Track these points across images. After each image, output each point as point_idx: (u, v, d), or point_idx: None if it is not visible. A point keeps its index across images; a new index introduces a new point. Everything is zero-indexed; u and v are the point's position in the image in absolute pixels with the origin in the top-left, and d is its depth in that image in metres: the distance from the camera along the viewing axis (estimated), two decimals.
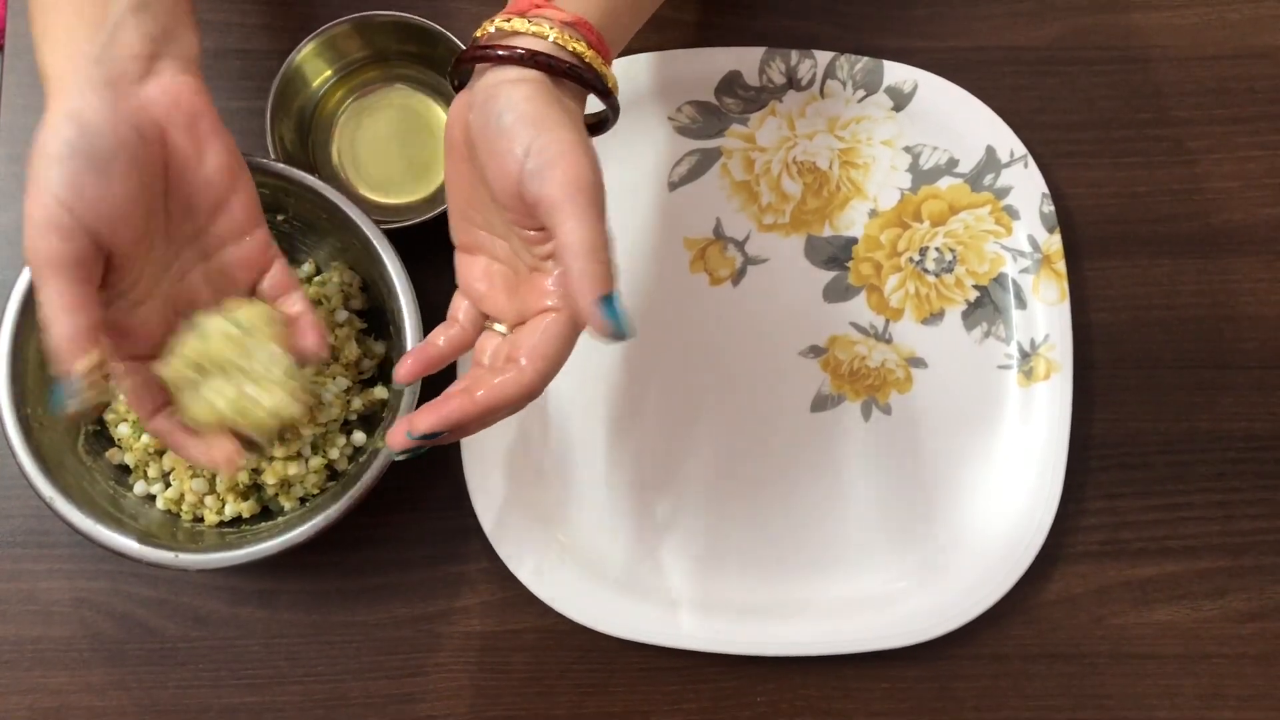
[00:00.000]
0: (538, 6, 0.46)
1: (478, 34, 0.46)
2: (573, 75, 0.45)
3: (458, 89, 0.47)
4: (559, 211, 0.42)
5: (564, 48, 0.45)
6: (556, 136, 0.43)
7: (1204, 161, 0.64)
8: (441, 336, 0.48)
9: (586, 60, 0.45)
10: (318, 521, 0.53)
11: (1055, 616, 0.59)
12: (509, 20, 0.45)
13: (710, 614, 0.58)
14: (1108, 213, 0.63)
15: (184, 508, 0.56)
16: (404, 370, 0.48)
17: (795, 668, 0.58)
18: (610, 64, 0.47)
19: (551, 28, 0.45)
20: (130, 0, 0.44)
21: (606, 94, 0.47)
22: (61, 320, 0.42)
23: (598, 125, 0.49)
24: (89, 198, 0.42)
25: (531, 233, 0.45)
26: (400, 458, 0.46)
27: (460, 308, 0.49)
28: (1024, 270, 0.61)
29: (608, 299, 0.41)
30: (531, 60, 0.44)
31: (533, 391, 0.44)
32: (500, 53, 0.44)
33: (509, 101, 0.43)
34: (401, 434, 0.45)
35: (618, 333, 0.42)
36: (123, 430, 0.57)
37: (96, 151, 0.43)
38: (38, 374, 0.55)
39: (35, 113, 0.63)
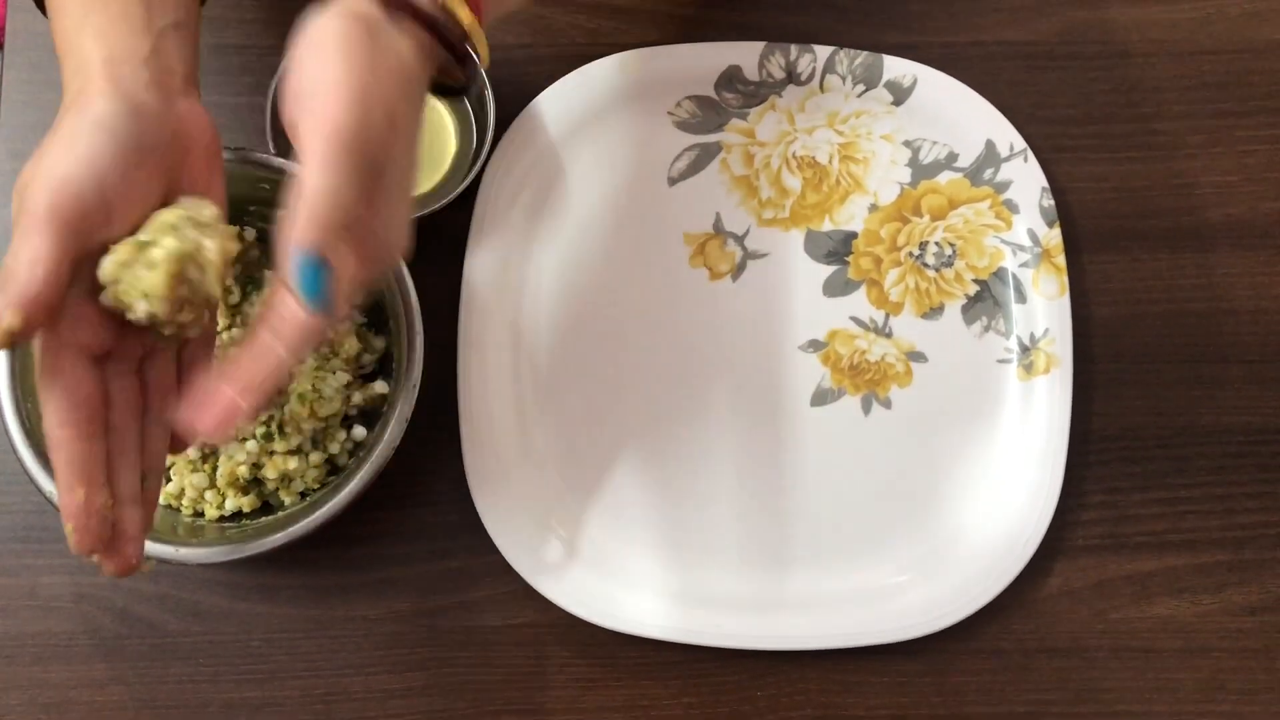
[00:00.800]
0: None
1: None
2: (421, 19, 0.42)
3: None
4: (303, 155, 0.38)
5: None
6: (331, 70, 0.39)
7: (1203, 156, 0.64)
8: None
9: (447, 8, 0.42)
10: (318, 516, 0.53)
11: (1055, 610, 0.59)
12: None
13: (710, 608, 0.58)
14: (1107, 207, 0.63)
15: (184, 503, 0.56)
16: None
17: (795, 662, 0.58)
18: (482, 20, 0.44)
19: None
20: (172, 17, 0.43)
21: (457, 48, 0.43)
22: (31, 274, 0.37)
23: (453, 88, 0.46)
24: (118, 176, 0.40)
25: None
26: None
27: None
28: (1024, 264, 0.61)
29: (308, 257, 0.37)
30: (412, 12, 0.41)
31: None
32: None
33: (318, 28, 0.40)
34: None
35: (307, 296, 0.38)
36: None
37: (143, 136, 0.41)
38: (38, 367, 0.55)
39: (35, 109, 0.63)
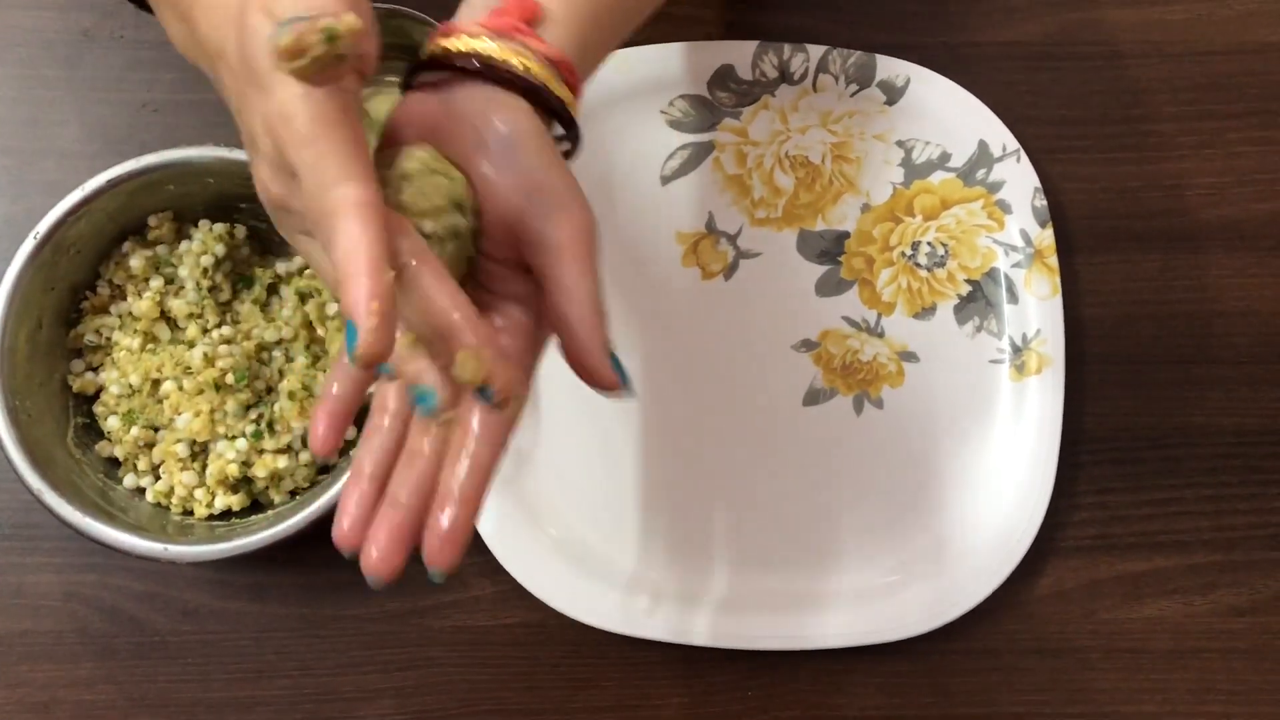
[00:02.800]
0: (519, 30, 0.41)
1: (447, 44, 0.41)
2: (557, 116, 0.41)
3: (408, 88, 0.42)
4: (565, 257, 0.38)
5: (549, 86, 0.41)
6: (565, 178, 0.40)
7: (1195, 157, 0.64)
8: (337, 383, 0.40)
9: (566, 105, 0.42)
10: (307, 515, 0.53)
11: (1046, 611, 0.59)
12: (484, 40, 0.40)
13: (702, 608, 0.58)
14: (1100, 207, 0.63)
15: (174, 501, 0.56)
16: (322, 441, 0.39)
17: (786, 661, 0.58)
18: (578, 111, 0.44)
19: (539, 64, 0.41)
20: None
21: (576, 144, 0.44)
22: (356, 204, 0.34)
23: None
24: None
25: (503, 269, 0.41)
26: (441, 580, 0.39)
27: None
28: (1016, 265, 0.61)
29: (613, 354, 0.39)
30: (525, 89, 0.40)
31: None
32: (498, 69, 0.40)
33: (512, 125, 0.39)
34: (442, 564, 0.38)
35: (627, 390, 0.40)
36: (112, 423, 0.56)
37: None
38: (27, 365, 0.55)
39: (26, 105, 0.63)
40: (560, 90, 0.41)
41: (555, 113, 0.42)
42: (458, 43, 0.41)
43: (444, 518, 0.38)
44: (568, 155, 0.44)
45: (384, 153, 0.39)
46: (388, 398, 0.40)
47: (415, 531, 0.38)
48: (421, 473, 0.39)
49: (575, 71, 0.42)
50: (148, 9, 0.44)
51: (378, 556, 0.38)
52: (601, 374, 0.39)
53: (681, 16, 0.64)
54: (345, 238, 0.33)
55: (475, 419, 0.39)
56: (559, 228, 0.39)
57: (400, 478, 0.39)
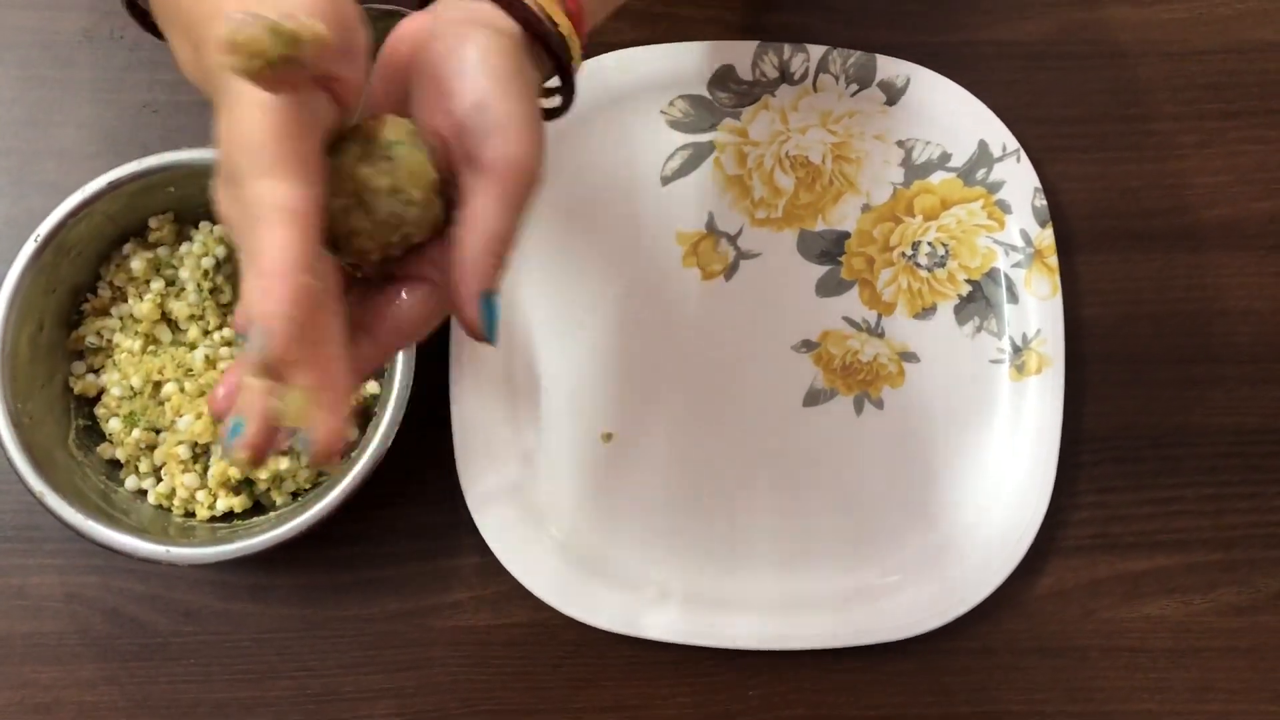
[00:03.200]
0: None
1: None
2: (547, 44, 0.40)
3: (420, 5, 0.42)
4: (483, 182, 0.37)
5: (544, 10, 0.40)
6: (519, 107, 0.37)
7: (1195, 156, 0.64)
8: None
9: (563, 34, 0.41)
10: (309, 516, 0.52)
11: (1047, 610, 0.59)
12: None
13: (702, 608, 0.58)
14: (1099, 207, 0.63)
15: (175, 503, 0.56)
16: (220, 400, 0.37)
17: (787, 661, 0.58)
18: (583, 45, 0.43)
19: (552, 2, 0.40)
20: None
21: (568, 77, 0.42)
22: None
23: (548, 111, 0.44)
24: None
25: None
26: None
27: None
28: (1016, 265, 0.61)
29: (489, 295, 0.37)
30: (510, 7, 0.39)
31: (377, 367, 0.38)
32: None
33: (482, 45, 0.38)
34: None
35: (486, 335, 0.37)
36: (114, 425, 0.56)
37: None
38: (28, 368, 0.55)
39: (24, 106, 0.63)
40: (555, 14, 0.40)
41: (552, 53, 0.40)
42: None
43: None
44: (557, 112, 0.44)
45: (368, 123, 0.38)
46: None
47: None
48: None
49: (584, 22, 0.41)
50: (155, 33, 0.43)
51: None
52: (466, 312, 0.37)
53: (681, 16, 0.64)
54: (273, 240, 0.32)
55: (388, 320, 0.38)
56: (492, 150, 0.37)
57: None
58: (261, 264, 0.32)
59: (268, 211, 0.33)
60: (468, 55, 0.38)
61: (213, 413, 0.39)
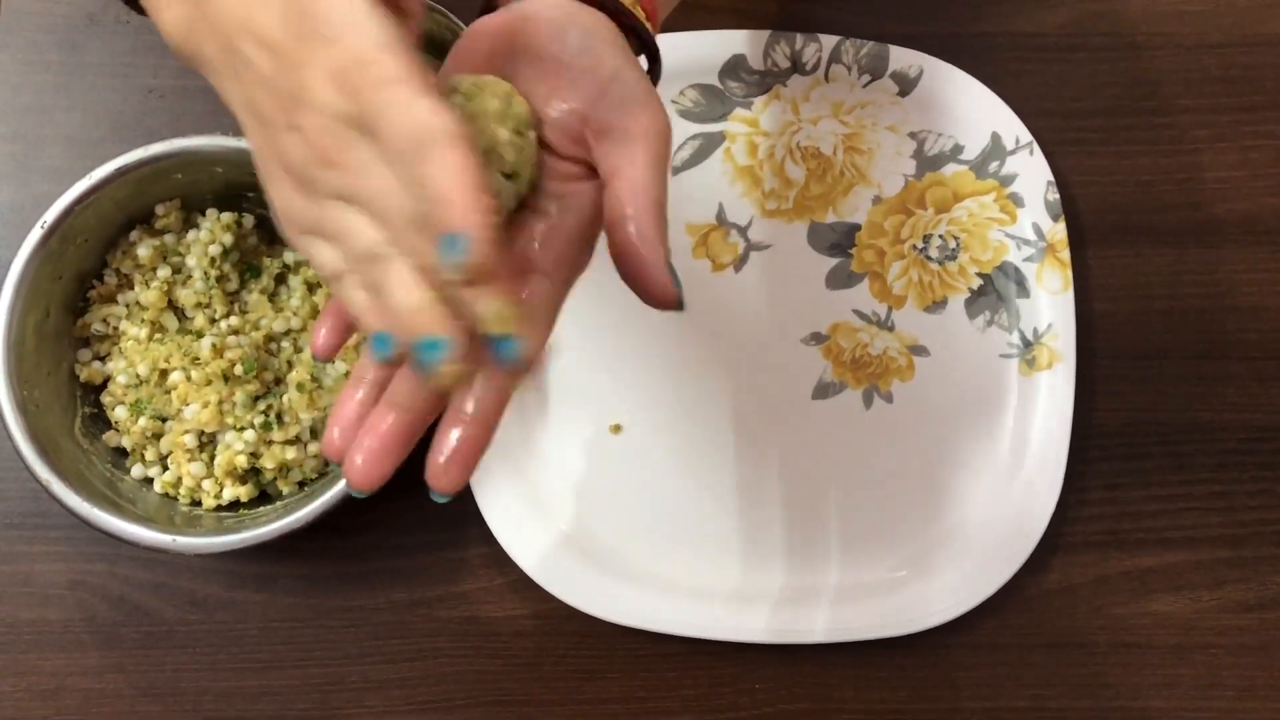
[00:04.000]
0: None
1: None
2: (638, 35, 0.40)
3: (485, 10, 0.41)
4: (637, 149, 0.37)
5: (626, 5, 0.40)
6: (646, 80, 0.38)
7: (1209, 150, 0.63)
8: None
9: (642, 22, 0.41)
10: (316, 506, 0.52)
11: (1054, 606, 0.59)
12: None
13: (708, 601, 0.58)
14: (1112, 201, 0.63)
15: (181, 491, 0.56)
16: (324, 343, 0.39)
17: (793, 655, 0.58)
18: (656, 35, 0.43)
19: None
20: None
21: (656, 60, 0.43)
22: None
23: None
24: None
25: (560, 162, 0.39)
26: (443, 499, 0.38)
27: None
28: (1028, 258, 0.61)
29: (671, 265, 0.37)
30: (600, 5, 0.39)
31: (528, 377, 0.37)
32: None
33: (591, 26, 0.38)
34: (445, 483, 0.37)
35: (679, 300, 0.37)
36: (120, 413, 0.56)
37: None
38: (35, 355, 0.54)
39: (30, 91, 0.63)
40: (644, 24, 0.41)
41: (643, 44, 0.40)
42: None
43: (454, 434, 0.36)
44: None
45: (467, 81, 0.37)
46: None
47: (408, 440, 0.36)
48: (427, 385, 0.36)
49: (657, 18, 0.42)
50: (136, 8, 0.42)
51: (362, 464, 0.36)
52: (656, 279, 0.36)
53: (693, 5, 0.63)
54: (445, 163, 0.32)
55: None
56: (636, 120, 0.37)
57: (402, 383, 0.36)
58: (441, 183, 0.31)
59: (437, 134, 0.31)
60: (585, 33, 0.38)
61: (316, 352, 0.39)
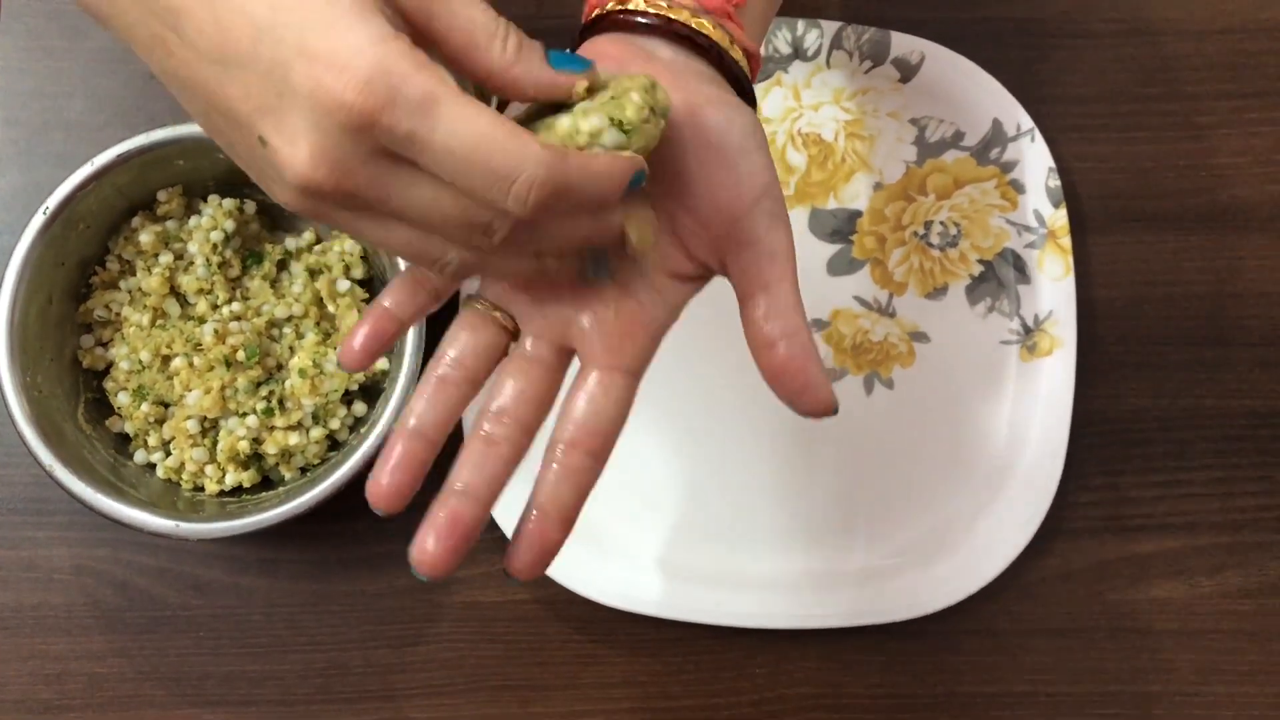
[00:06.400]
0: (728, 15, 0.38)
1: (649, 5, 0.38)
2: (749, 99, 0.39)
3: (579, 41, 0.39)
4: (787, 270, 0.37)
5: (739, 65, 0.38)
6: (782, 193, 0.38)
7: (1212, 137, 0.63)
8: (391, 296, 0.37)
9: (751, 93, 0.39)
10: (318, 491, 0.53)
11: (1054, 592, 0.59)
12: (688, 13, 0.37)
13: (709, 586, 0.58)
14: (1114, 188, 0.63)
15: (184, 477, 0.56)
16: (356, 354, 0.37)
17: (793, 640, 0.59)
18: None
19: (730, 43, 0.38)
20: None
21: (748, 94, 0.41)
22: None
23: None
24: None
25: (684, 260, 0.38)
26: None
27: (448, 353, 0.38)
28: (1029, 245, 0.61)
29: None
30: (724, 68, 0.38)
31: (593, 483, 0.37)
32: (723, 54, 0.37)
33: (755, 125, 0.37)
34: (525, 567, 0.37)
35: (836, 405, 0.37)
36: (122, 399, 0.56)
37: None
38: (38, 341, 0.55)
39: (31, 76, 0.63)
40: (741, 62, 0.39)
41: (749, 97, 0.39)
42: (664, 7, 0.38)
43: (534, 527, 0.36)
44: None
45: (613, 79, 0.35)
46: (460, 348, 0.38)
47: (479, 527, 0.36)
48: (501, 464, 0.37)
49: (758, 67, 0.41)
50: None
51: (436, 554, 0.36)
52: (820, 395, 0.37)
53: None
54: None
55: (585, 418, 0.37)
56: (781, 238, 0.37)
57: (472, 464, 0.37)
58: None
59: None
60: (747, 134, 0.37)
61: (346, 360, 0.38)
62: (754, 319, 0.37)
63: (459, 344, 0.38)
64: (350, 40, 0.30)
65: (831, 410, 0.37)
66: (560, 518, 0.37)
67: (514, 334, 0.39)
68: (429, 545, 0.36)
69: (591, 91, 0.34)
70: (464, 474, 0.37)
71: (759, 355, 0.37)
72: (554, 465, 0.37)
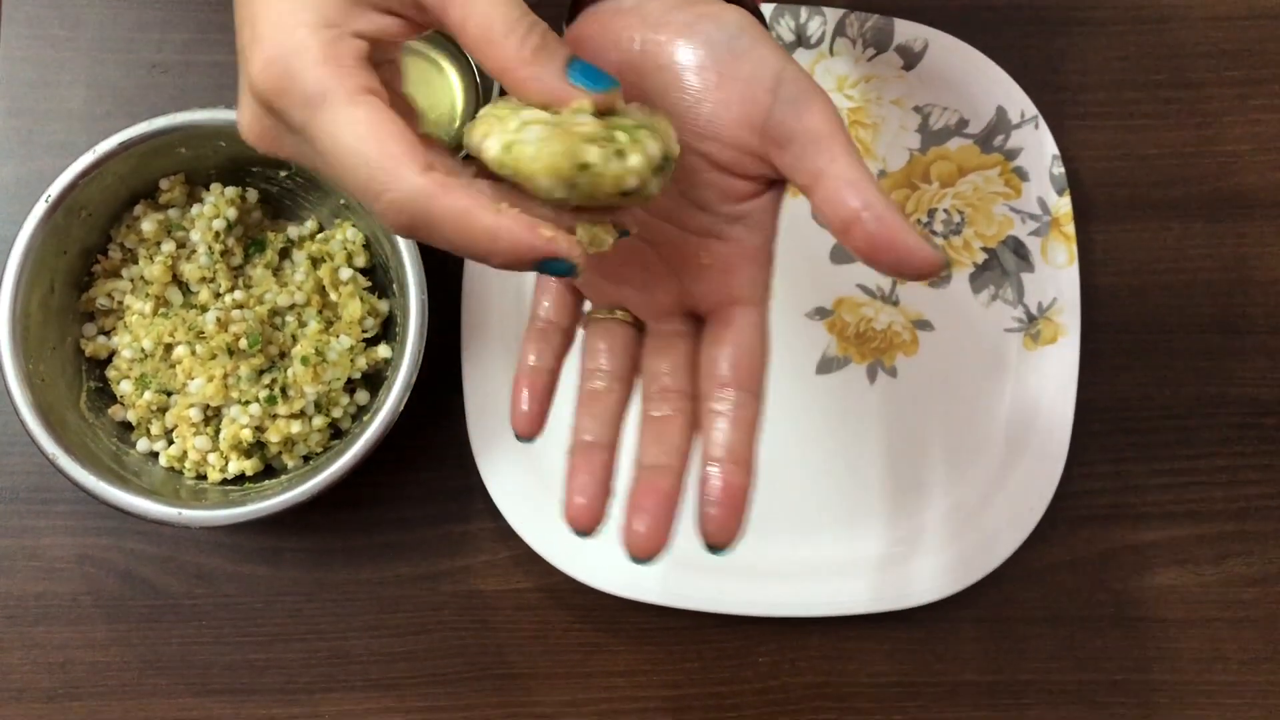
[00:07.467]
0: None
1: None
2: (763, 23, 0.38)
3: (573, 17, 0.39)
4: (834, 145, 0.35)
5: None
6: (801, 70, 0.36)
7: (1216, 124, 0.63)
8: (536, 354, 0.39)
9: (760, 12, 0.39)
10: (321, 480, 0.52)
11: (1058, 580, 0.59)
12: None
13: (713, 574, 0.58)
14: (1118, 175, 0.62)
15: (187, 465, 0.56)
16: (525, 419, 0.38)
17: (797, 628, 0.58)
18: None
19: None
20: None
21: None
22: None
23: None
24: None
25: (738, 182, 0.37)
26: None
27: (542, 302, 0.40)
28: (1033, 233, 0.61)
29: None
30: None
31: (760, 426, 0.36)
32: None
33: (740, 24, 0.36)
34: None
35: (948, 259, 0.37)
36: (125, 387, 0.56)
37: None
38: (40, 330, 0.54)
39: (34, 66, 0.63)
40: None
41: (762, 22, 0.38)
42: None
43: (718, 481, 0.36)
44: None
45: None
46: (600, 357, 0.38)
47: (679, 500, 0.36)
48: (680, 433, 0.37)
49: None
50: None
51: (646, 531, 0.35)
52: (922, 254, 0.34)
53: None
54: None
55: (724, 364, 0.37)
56: (816, 116, 0.35)
57: (653, 442, 0.37)
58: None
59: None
60: (736, 36, 0.36)
61: (520, 428, 0.39)
62: (823, 209, 0.35)
63: (598, 355, 0.39)
64: (284, 23, 0.32)
65: (940, 266, 0.35)
66: (740, 462, 0.37)
67: (638, 324, 0.39)
68: (639, 528, 0.36)
69: (602, 114, 0.33)
70: (650, 452, 0.37)
71: (845, 240, 0.35)
72: (716, 418, 0.37)
